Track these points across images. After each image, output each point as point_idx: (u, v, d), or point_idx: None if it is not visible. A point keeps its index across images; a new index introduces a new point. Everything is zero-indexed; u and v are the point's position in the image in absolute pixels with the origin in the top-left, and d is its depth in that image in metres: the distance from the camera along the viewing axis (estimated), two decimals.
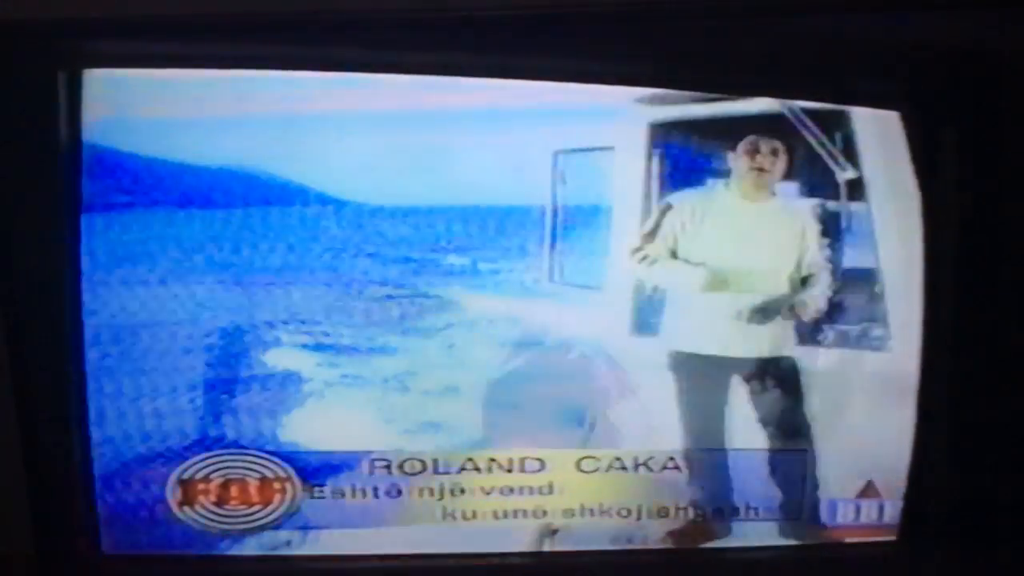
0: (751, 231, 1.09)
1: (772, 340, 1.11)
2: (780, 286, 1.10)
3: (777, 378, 1.11)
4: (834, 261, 1.09)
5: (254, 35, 0.98)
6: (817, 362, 1.11)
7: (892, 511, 1.14)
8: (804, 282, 1.10)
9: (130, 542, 1.09)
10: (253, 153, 1.02)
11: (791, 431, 1.12)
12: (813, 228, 1.09)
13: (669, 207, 1.08)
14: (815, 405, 1.12)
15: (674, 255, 1.09)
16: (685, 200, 1.08)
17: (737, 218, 1.08)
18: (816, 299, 1.09)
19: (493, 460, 1.10)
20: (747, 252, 1.10)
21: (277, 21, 0.95)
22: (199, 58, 1.00)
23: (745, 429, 1.12)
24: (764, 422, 1.12)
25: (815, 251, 1.09)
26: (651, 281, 1.09)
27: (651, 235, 1.08)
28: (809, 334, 1.11)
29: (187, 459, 1.08)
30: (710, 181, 1.08)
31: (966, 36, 1.02)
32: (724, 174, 1.08)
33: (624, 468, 1.12)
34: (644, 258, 1.08)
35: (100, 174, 1.01)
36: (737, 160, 1.07)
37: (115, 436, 1.07)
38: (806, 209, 1.09)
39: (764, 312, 1.10)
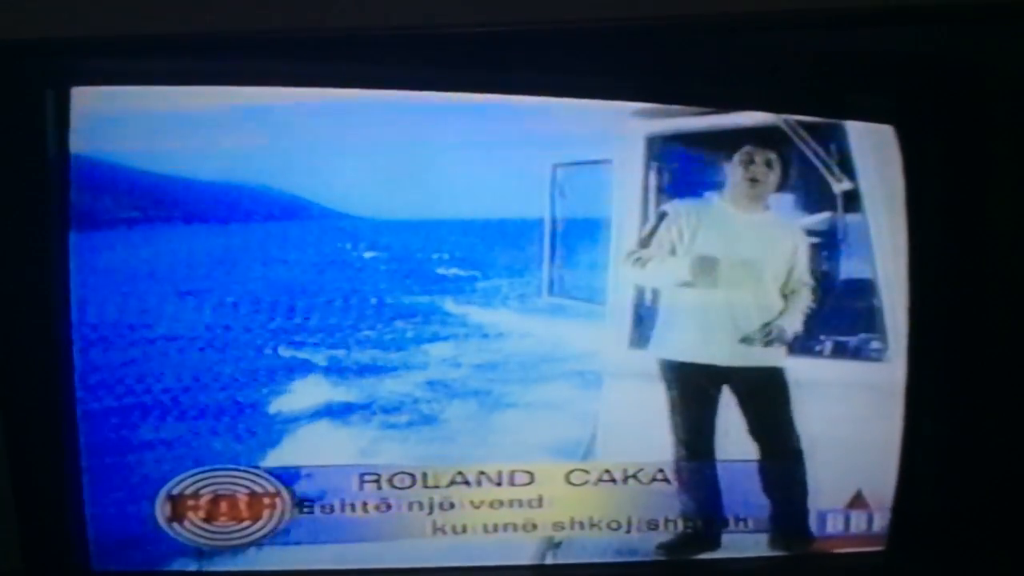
0: (742, 241, 1.10)
1: (763, 351, 1.11)
2: (769, 297, 1.10)
3: (768, 389, 1.12)
4: (820, 280, 1.10)
5: (244, 52, 0.99)
6: (808, 373, 1.12)
7: (881, 521, 1.15)
8: (788, 298, 1.10)
9: (119, 559, 1.09)
10: (244, 168, 1.03)
11: (781, 442, 1.13)
12: (804, 245, 1.10)
13: (665, 215, 1.09)
14: (805, 416, 1.12)
15: (670, 260, 1.09)
16: (680, 208, 1.09)
17: (729, 227, 1.09)
18: (793, 321, 1.10)
19: (483, 473, 1.10)
20: (738, 261, 1.10)
21: (271, 38, 0.95)
22: (187, 74, 1.01)
23: (734, 440, 1.12)
24: (754, 433, 1.12)
25: (803, 268, 1.10)
26: (645, 285, 1.09)
27: (647, 241, 1.08)
28: (805, 344, 1.11)
29: (176, 475, 1.08)
30: (706, 193, 1.09)
31: (959, 51, 1.04)
32: (720, 186, 1.08)
33: (613, 481, 1.12)
34: (637, 260, 1.09)
35: (90, 190, 1.01)
36: (732, 170, 1.08)
37: (104, 452, 1.06)
38: (798, 226, 1.10)
39: (755, 323, 1.10)
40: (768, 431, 1.13)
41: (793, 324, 1.10)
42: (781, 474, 1.13)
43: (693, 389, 1.11)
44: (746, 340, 1.10)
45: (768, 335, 1.10)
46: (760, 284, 1.10)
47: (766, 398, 1.12)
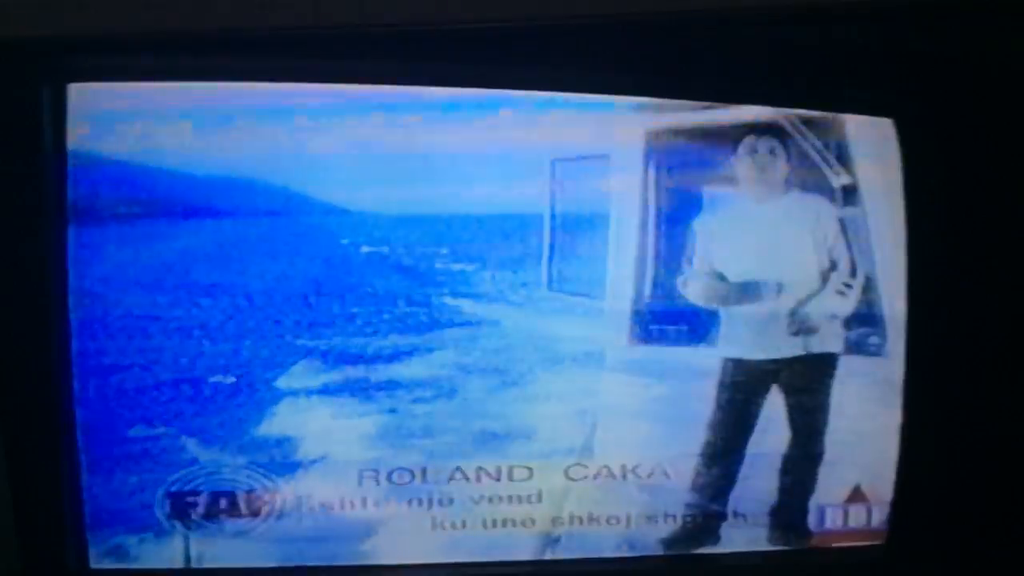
0: (775, 230, 1.10)
1: (821, 337, 1.11)
2: (817, 277, 1.10)
3: (819, 378, 1.12)
4: (855, 244, 1.10)
5: (242, 48, 0.99)
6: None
7: (879, 516, 1.15)
8: (831, 272, 1.10)
9: (118, 556, 1.09)
10: (242, 163, 1.02)
11: (812, 435, 1.13)
12: (829, 215, 1.09)
13: (691, 231, 1.08)
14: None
15: (716, 275, 1.09)
16: (703, 221, 1.08)
17: (758, 222, 1.09)
18: (846, 300, 1.10)
19: (481, 469, 1.10)
20: (779, 252, 1.10)
21: (269, 34, 0.95)
22: (184, 71, 1.01)
23: (761, 434, 1.13)
24: (792, 426, 1.13)
25: (837, 238, 1.09)
26: (702, 305, 1.09)
27: (689, 261, 1.08)
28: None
29: (175, 472, 1.08)
30: (716, 192, 1.09)
31: (959, 44, 1.04)
32: (725, 181, 1.08)
33: (612, 476, 1.12)
34: (686, 284, 1.09)
35: (87, 186, 1.01)
36: (739, 163, 1.08)
37: (101, 449, 1.06)
38: (818, 198, 1.09)
39: (810, 307, 1.10)
40: (805, 423, 1.12)
41: (847, 303, 1.10)
42: (794, 468, 1.13)
43: (744, 385, 1.11)
44: (804, 327, 1.10)
45: (829, 316, 1.10)
46: (804, 266, 1.10)
47: (814, 389, 1.12)
